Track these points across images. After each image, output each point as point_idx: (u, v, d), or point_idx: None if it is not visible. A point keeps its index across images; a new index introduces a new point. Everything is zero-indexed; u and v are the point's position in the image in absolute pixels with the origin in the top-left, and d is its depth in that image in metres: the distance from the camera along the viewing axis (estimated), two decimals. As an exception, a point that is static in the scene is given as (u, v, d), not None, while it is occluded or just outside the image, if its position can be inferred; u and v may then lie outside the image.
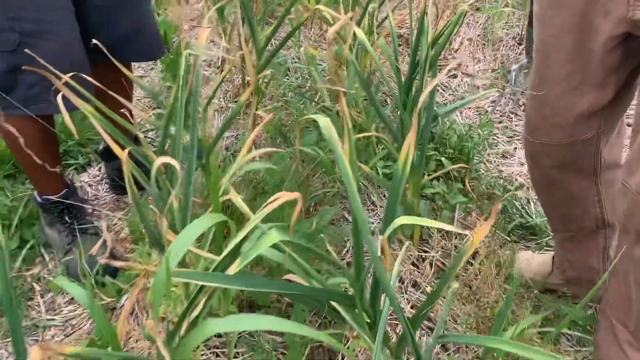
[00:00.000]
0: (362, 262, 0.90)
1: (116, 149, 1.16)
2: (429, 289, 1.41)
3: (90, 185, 1.99)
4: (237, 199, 1.00)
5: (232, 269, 0.76)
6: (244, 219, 1.42)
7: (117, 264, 0.73)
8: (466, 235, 1.59)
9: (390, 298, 0.79)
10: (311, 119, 1.88)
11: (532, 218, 1.74)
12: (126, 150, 0.81)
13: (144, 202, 1.74)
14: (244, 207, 1.00)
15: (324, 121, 0.74)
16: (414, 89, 1.45)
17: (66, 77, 0.99)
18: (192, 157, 1.03)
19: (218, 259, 0.81)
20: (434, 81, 0.79)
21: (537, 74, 1.25)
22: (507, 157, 2.05)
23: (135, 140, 1.93)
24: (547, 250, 1.65)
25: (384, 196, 1.72)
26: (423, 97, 0.78)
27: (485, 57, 2.55)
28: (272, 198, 0.80)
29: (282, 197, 0.79)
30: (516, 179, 1.95)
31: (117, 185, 1.91)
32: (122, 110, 1.24)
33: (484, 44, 2.62)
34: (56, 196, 1.66)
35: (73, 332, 1.51)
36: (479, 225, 1.59)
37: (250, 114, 1.82)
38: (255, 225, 0.81)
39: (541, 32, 1.21)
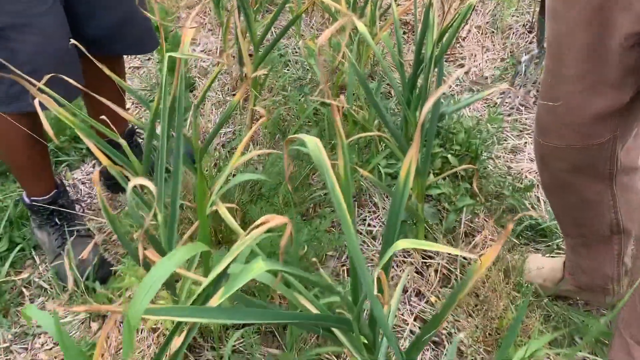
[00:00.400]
0: (359, 286, 0.83)
1: (99, 154, 1.09)
2: (433, 299, 1.34)
3: (83, 183, 1.93)
4: (226, 215, 0.93)
5: (215, 301, 0.69)
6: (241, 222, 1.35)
7: (78, 309, 0.66)
8: (474, 240, 1.52)
9: (388, 339, 0.71)
10: (310, 111, 1.79)
11: (542, 219, 1.66)
12: (96, 172, 0.74)
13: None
14: (234, 224, 0.93)
15: (311, 142, 0.66)
16: (419, 85, 1.37)
17: (39, 85, 0.91)
18: (178, 169, 0.96)
19: (204, 281, 0.74)
20: (439, 91, 0.71)
21: (550, 71, 1.17)
22: (516, 152, 1.96)
23: (130, 133, 1.86)
24: (558, 253, 1.57)
25: (387, 197, 1.64)
26: (426, 110, 0.70)
27: (494, 45, 2.45)
28: (258, 222, 0.72)
29: (270, 221, 0.72)
30: (526, 176, 1.86)
31: (111, 184, 1.85)
32: (110, 104, 1.17)
33: (493, 32, 2.51)
34: (44, 198, 1.59)
35: (63, 340, 1.45)
36: (487, 230, 1.52)
37: (248, 109, 1.74)
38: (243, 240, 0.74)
39: (554, 26, 1.12)
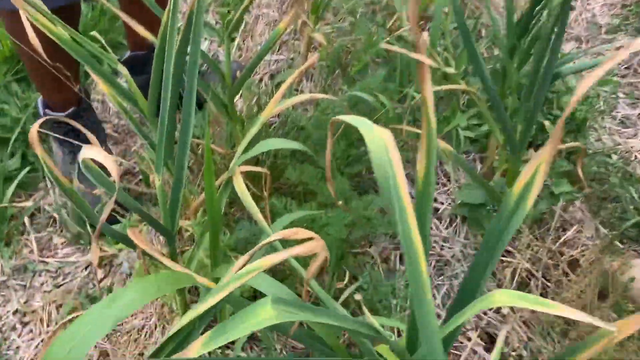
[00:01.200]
0: (418, 334, 0.56)
1: (100, 82, 0.84)
2: (505, 309, 1.06)
3: (113, 100, 1.70)
4: (243, 190, 0.67)
5: (193, 352, 0.44)
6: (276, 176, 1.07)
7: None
8: (565, 235, 1.20)
9: None
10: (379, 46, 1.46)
11: (652, 215, 1.32)
12: (35, 126, 0.47)
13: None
14: (253, 206, 0.67)
15: (374, 141, 0.37)
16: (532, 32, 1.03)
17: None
18: (189, 118, 0.69)
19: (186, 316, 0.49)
20: (585, 83, 0.40)
21: None
22: (627, 125, 1.59)
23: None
24: (669, 265, 1.24)
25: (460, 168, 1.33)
26: (562, 121, 0.39)
27: (617, -14, 2.00)
28: (278, 235, 0.45)
29: (297, 233, 0.45)
30: (635, 157, 1.50)
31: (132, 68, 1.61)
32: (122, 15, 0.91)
33: (618, -31, 2.05)
34: (61, 114, 1.37)
35: (64, 283, 1.27)
36: (584, 227, 1.20)
37: (304, 35, 1.44)
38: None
39: None
